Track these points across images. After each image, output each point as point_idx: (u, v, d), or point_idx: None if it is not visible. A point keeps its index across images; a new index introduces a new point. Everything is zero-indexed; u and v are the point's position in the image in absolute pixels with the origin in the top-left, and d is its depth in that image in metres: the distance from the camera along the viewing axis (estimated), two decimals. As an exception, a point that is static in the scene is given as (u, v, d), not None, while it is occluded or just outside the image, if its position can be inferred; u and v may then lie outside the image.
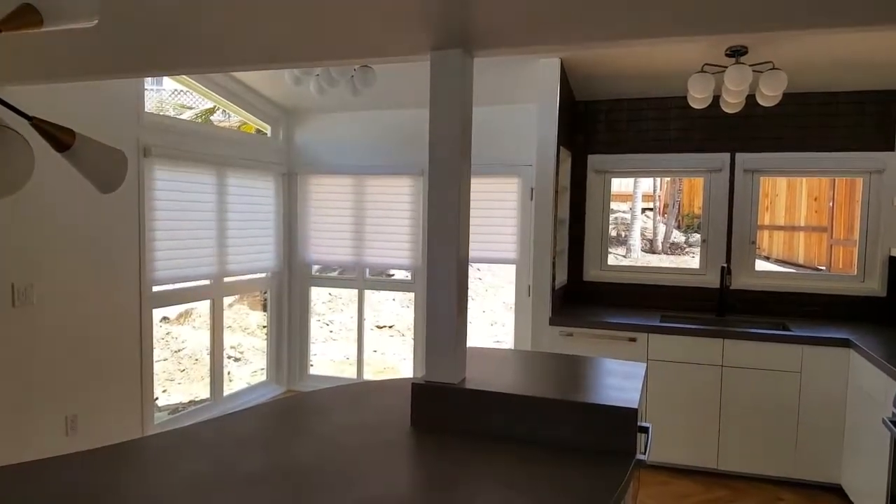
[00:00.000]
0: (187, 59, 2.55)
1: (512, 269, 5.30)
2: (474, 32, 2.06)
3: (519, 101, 4.80)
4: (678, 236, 12.23)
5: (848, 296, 4.49)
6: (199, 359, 7.91)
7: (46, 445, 3.51)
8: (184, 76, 4.75)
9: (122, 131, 4.01)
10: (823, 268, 8.26)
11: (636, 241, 11.66)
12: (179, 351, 8.13)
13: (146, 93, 4.38)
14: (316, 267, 6.23)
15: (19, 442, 3.46)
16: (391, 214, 5.59)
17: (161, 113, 9.64)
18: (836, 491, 3.86)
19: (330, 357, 8.66)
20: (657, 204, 12.67)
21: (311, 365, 6.15)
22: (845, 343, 3.80)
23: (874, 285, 4.44)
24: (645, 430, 2.10)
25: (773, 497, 3.86)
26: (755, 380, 3.98)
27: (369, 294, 9.19)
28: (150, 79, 9.32)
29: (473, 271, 10.58)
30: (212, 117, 9.74)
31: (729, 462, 4.06)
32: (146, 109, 4.31)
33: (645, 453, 2.03)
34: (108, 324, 3.99)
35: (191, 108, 10.42)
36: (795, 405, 3.92)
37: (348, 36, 2.22)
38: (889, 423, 2.88)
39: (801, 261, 9.11)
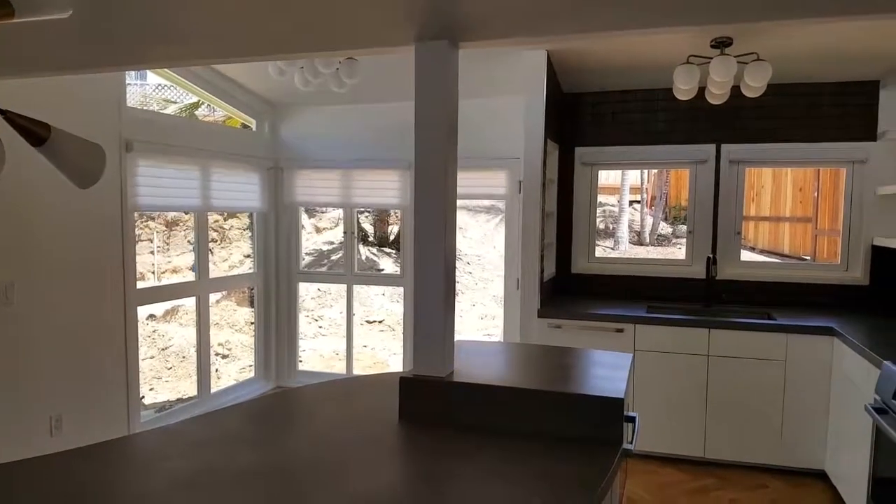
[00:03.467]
0: (165, 52, 2.52)
1: (501, 262, 5.30)
2: (459, 23, 2.05)
3: (505, 93, 4.79)
4: (665, 228, 12.29)
5: (832, 285, 4.53)
6: (186, 356, 7.88)
7: (30, 446, 3.47)
8: (166, 70, 4.70)
9: (103, 126, 3.96)
10: (808, 257, 8.33)
11: (624, 233, 11.71)
12: (166, 349, 8.09)
13: (129, 87, 4.33)
14: (304, 262, 6.21)
15: (2, 443, 3.42)
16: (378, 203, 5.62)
17: (145, 107, 9.57)
18: (821, 476, 3.90)
19: (319, 353, 8.65)
20: (644, 196, 12.73)
21: (301, 361, 6.13)
22: (829, 331, 3.83)
23: (857, 274, 4.48)
24: (632, 419, 2.10)
25: (758, 484, 3.89)
26: (741, 368, 4.00)
27: (359, 289, 9.19)
28: (133, 73, 9.23)
29: (463, 265, 10.59)
30: (196, 112, 9.67)
31: (715, 450, 4.09)
32: (129, 104, 4.27)
33: (632, 442, 2.03)
34: (92, 322, 3.96)
35: (175, 102, 10.34)
36: (780, 393, 3.95)
37: (331, 27, 2.20)
38: (871, 410, 2.91)
39: (786, 251, 9.18)
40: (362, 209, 6.24)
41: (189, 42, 2.42)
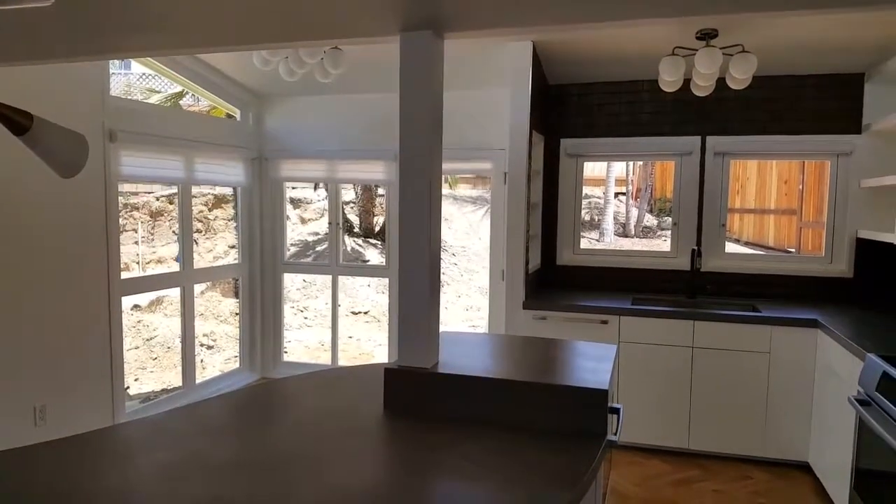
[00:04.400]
0: (147, 41, 2.48)
1: (486, 254, 5.30)
2: (444, 13, 2.03)
3: (491, 84, 4.78)
4: (650, 220, 12.34)
5: (816, 277, 4.57)
6: (171, 347, 7.83)
7: (14, 436, 3.45)
8: (150, 59, 4.65)
9: (86, 115, 3.92)
10: (793, 250, 8.38)
11: (609, 225, 11.74)
12: (151, 339, 8.04)
13: (113, 76, 4.28)
14: (289, 253, 6.18)
15: (-15, 433, 3.39)
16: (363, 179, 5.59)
17: (128, 97, 9.47)
18: (804, 468, 3.94)
19: (305, 344, 8.63)
20: (630, 188, 12.77)
21: (286, 352, 6.11)
22: (813, 323, 3.86)
23: (841, 266, 4.52)
24: (616, 410, 2.11)
25: (742, 475, 3.93)
26: (725, 360, 4.03)
27: (344, 280, 9.17)
28: (117, 62, 9.11)
29: (448, 256, 10.59)
30: (181, 101, 9.58)
31: (699, 442, 4.12)
32: (113, 93, 4.22)
33: (616, 434, 2.05)
34: (76, 312, 3.92)
35: (159, 92, 10.24)
36: (764, 385, 3.98)
37: (315, 15, 2.18)
38: (854, 402, 2.94)
39: (770, 243, 9.24)
40: (347, 185, 6.43)
41: (171, 31, 2.38)
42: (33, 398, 3.66)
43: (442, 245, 2.22)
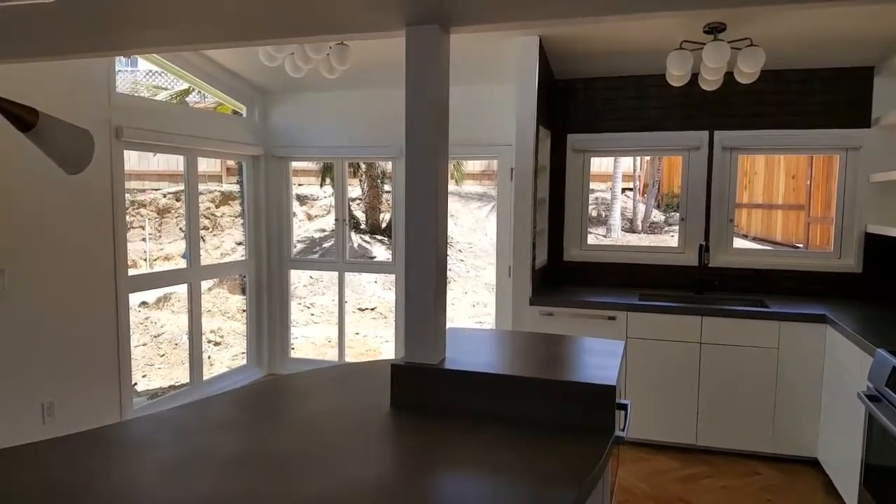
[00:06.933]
0: (151, 37, 2.47)
1: (493, 250, 5.29)
2: (450, 7, 2.02)
3: (497, 80, 4.76)
4: (658, 215, 12.31)
5: (824, 272, 4.54)
6: (178, 343, 7.86)
7: (23, 433, 3.46)
8: (156, 56, 4.65)
9: (92, 112, 3.92)
10: (801, 245, 8.35)
11: (616, 220, 11.71)
12: (159, 336, 8.06)
13: (119, 74, 4.28)
14: (296, 250, 6.19)
15: (-6, 430, 3.41)
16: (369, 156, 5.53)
17: (135, 94, 9.49)
18: (813, 464, 3.92)
19: (312, 340, 8.65)
20: (637, 184, 12.74)
21: (293, 348, 6.12)
22: (822, 319, 3.84)
23: (850, 261, 4.49)
24: (623, 407, 2.10)
25: (750, 471, 3.91)
26: (733, 356, 4.01)
27: (351, 276, 9.18)
28: (123, 59, 9.13)
29: (454, 252, 10.59)
30: (187, 98, 9.59)
31: (707, 438, 4.11)
32: (119, 90, 4.22)
33: (624, 430, 2.04)
34: (83, 310, 3.93)
35: (166, 89, 10.25)
36: (773, 381, 3.96)
37: (320, 10, 2.17)
38: (863, 397, 2.92)
39: (778, 238, 9.21)
40: (353, 182, 6.44)
41: (175, 27, 2.38)
42: (41, 395, 3.67)
43: (448, 241, 2.21)
